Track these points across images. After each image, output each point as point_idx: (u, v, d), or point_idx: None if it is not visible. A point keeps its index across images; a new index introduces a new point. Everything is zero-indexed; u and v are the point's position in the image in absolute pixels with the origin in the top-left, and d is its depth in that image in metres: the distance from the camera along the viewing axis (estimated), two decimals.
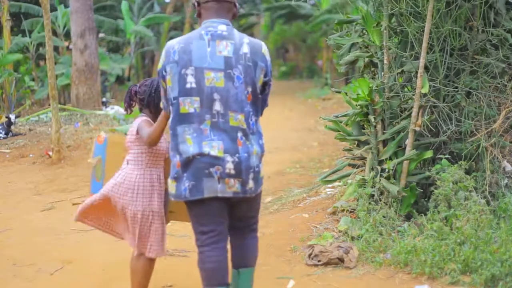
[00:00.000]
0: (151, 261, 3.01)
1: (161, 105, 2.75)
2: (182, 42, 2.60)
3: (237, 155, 2.56)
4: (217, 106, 2.56)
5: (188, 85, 2.55)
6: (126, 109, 3.13)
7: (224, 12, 2.68)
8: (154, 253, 2.96)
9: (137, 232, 2.92)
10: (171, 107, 2.61)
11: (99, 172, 3.21)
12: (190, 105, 2.56)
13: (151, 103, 2.99)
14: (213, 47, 2.57)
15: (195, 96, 2.55)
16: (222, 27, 2.62)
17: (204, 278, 2.61)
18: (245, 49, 2.61)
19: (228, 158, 2.54)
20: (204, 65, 2.56)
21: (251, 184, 2.62)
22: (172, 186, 2.62)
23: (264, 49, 2.69)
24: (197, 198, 2.55)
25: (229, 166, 2.54)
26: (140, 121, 2.93)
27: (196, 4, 2.72)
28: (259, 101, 2.70)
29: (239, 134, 2.58)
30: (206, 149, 2.53)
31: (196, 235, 2.68)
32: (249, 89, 2.62)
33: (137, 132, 2.90)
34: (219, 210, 2.63)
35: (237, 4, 2.76)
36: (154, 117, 2.95)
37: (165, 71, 2.60)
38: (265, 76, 2.68)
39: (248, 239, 2.81)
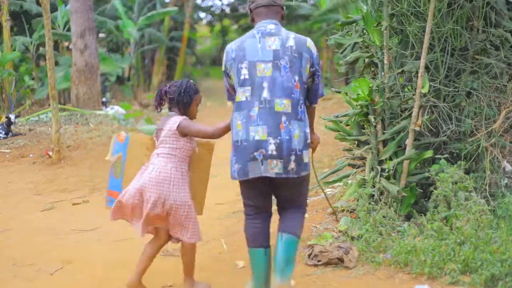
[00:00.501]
0: (192, 244, 3.27)
1: (229, 103, 3.16)
2: (238, 42, 3.03)
3: (279, 137, 2.87)
4: (265, 94, 2.91)
5: (242, 77, 2.95)
6: (156, 107, 3.44)
7: (273, 15, 3.08)
8: (194, 239, 3.23)
9: (176, 222, 3.17)
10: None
11: (118, 170, 3.34)
12: (243, 94, 2.94)
13: (180, 102, 3.29)
14: (263, 43, 2.96)
15: (247, 86, 2.93)
16: (271, 26, 3.02)
17: (248, 241, 3.07)
18: (291, 42, 2.98)
19: (271, 140, 2.87)
20: (256, 59, 2.94)
21: (292, 165, 2.89)
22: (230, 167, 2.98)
23: (309, 42, 3.06)
24: (244, 179, 2.93)
25: (272, 148, 2.87)
26: (183, 120, 3.24)
27: (249, 11, 3.15)
28: (308, 90, 3.06)
29: (283, 119, 2.89)
30: (252, 134, 2.89)
31: (244, 206, 3.12)
32: (296, 78, 2.95)
33: (177, 128, 3.19)
34: (263, 190, 3.03)
35: (284, 7, 3.15)
36: (183, 115, 3.30)
37: (227, 69, 3.02)
38: (312, 66, 3.03)
39: (293, 213, 3.12)
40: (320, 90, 3.14)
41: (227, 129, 3.16)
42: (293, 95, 2.93)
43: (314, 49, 3.04)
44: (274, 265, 2.98)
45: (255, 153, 2.88)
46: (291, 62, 2.95)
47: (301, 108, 2.96)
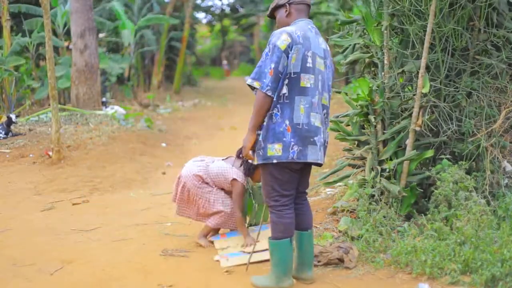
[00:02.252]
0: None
1: (256, 85, 3.08)
2: (301, 30, 3.15)
3: (325, 127, 3.27)
4: (320, 86, 3.20)
5: (308, 64, 3.12)
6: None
7: (308, 14, 3.34)
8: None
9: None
10: (287, 80, 3.08)
11: None
12: (308, 80, 3.12)
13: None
14: (318, 39, 3.23)
15: (312, 74, 3.14)
16: (316, 27, 3.30)
17: (281, 231, 3.17)
18: (328, 48, 3.36)
19: (323, 128, 3.23)
20: (316, 51, 3.18)
21: (324, 153, 3.32)
22: (278, 149, 3.08)
23: None
24: (301, 161, 3.10)
25: (324, 136, 3.25)
26: (237, 188, 4.06)
27: (287, 4, 3.27)
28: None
29: (325, 111, 3.27)
30: (312, 120, 3.13)
31: (275, 197, 3.18)
32: (331, 77, 3.35)
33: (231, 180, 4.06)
34: (297, 178, 3.24)
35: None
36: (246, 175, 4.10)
37: (291, 50, 3.08)
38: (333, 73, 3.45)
39: (305, 206, 3.40)
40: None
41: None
42: (330, 93, 3.34)
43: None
44: (303, 260, 3.32)
45: (315, 138, 3.14)
46: (330, 63, 3.33)
47: (329, 103, 3.33)
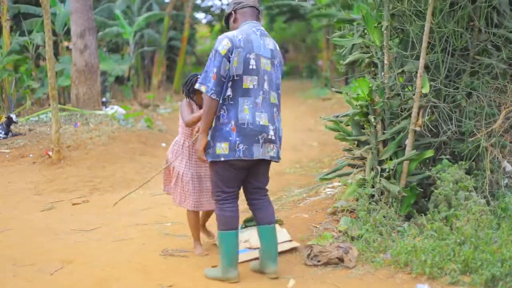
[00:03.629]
0: (190, 212, 3.95)
1: (203, 89, 3.28)
2: (242, 34, 3.31)
3: (275, 125, 3.39)
4: (266, 86, 3.35)
5: (250, 67, 3.27)
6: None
7: (256, 18, 3.48)
8: (187, 205, 3.92)
9: (176, 187, 3.98)
10: (230, 83, 3.25)
11: None
12: (250, 82, 3.28)
13: (183, 91, 4.01)
14: (264, 41, 3.38)
15: (255, 75, 3.29)
16: (262, 28, 3.45)
17: (223, 223, 3.38)
18: (277, 47, 3.51)
19: (271, 126, 3.35)
20: (260, 53, 3.33)
21: (280, 151, 3.46)
22: (224, 148, 3.26)
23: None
24: (247, 158, 3.26)
25: (271, 133, 3.35)
26: (183, 102, 3.92)
27: (233, 12, 3.47)
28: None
29: (274, 110, 3.41)
30: (257, 119, 3.28)
31: (218, 192, 3.40)
32: (280, 76, 3.48)
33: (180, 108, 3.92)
34: (243, 174, 3.40)
35: (261, 13, 3.47)
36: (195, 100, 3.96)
37: (232, 54, 3.24)
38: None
39: (267, 201, 3.53)
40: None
41: (198, 119, 3.62)
42: (279, 91, 3.46)
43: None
44: (267, 254, 3.43)
45: (259, 136, 3.29)
46: (279, 63, 3.47)
47: (279, 101, 3.47)
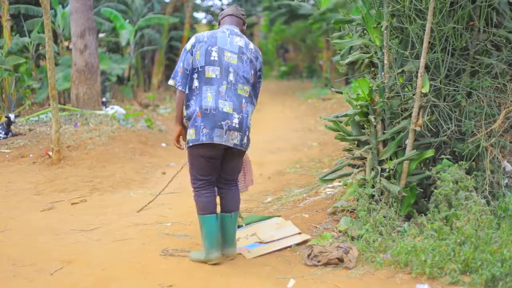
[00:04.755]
0: None
1: (172, 83, 3.62)
2: (209, 32, 3.64)
3: (241, 114, 3.57)
4: (231, 77, 3.58)
5: (212, 58, 3.57)
6: None
7: (235, 23, 3.79)
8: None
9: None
10: (196, 75, 3.56)
11: None
12: (213, 72, 3.55)
13: None
14: (232, 39, 3.66)
15: (217, 66, 3.56)
16: (236, 30, 3.75)
17: (200, 208, 3.65)
18: (251, 46, 3.75)
19: (235, 115, 3.54)
20: (225, 47, 3.61)
21: (245, 140, 3.63)
22: (192, 134, 3.53)
23: (260, 54, 3.83)
24: (208, 142, 3.47)
25: (235, 121, 3.54)
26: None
27: (218, 24, 3.84)
28: (255, 86, 3.77)
29: (242, 100, 3.61)
30: (220, 106, 3.50)
31: (193, 180, 3.68)
32: (252, 72, 3.69)
33: None
34: (215, 165, 3.64)
35: (245, 23, 3.87)
36: None
37: (194, 48, 3.58)
38: (259, 70, 3.79)
39: (234, 191, 3.83)
40: (258, 92, 3.82)
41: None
42: (249, 84, 3.67)
43: (261, 59, 3.82)
44: (226, 238, 3.74)
45: (222, 122, 3.50)
46: (250, 59, 3.69)
47: (251, 94, 3.70)
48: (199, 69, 3.55)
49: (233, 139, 3.54)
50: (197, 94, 3.54)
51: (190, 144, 3.55)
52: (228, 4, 33.09)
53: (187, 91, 3.60)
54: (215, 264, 3.64)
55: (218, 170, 3.72)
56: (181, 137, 3.79)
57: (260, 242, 4.01)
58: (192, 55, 3.59)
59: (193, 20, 23.85)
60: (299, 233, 4.05)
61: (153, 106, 14.66)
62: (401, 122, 4.24)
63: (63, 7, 13.37)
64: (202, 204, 3.65)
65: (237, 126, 3.55)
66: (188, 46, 3.63)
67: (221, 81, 3.55)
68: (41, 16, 11.47)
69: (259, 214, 4.87)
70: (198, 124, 3.50)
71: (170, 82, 3.64)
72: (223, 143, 3.51)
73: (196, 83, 3.56)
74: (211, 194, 3.69)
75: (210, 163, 3.62)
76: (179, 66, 3.61)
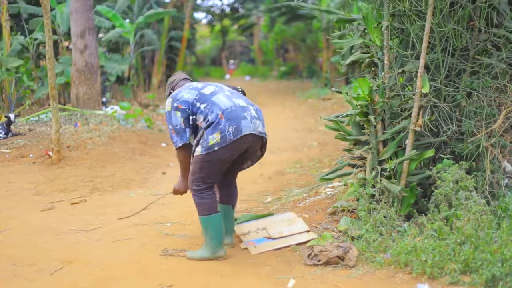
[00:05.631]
0: None
1: (175, 148, 3.82)
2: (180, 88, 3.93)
3: (254, 106, 3.82)
4: (225, 89, 3.88)
5: (196, 86, 3.88)
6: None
7: (189, 81, 4.14)
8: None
9: None
10: (197, 103, 3.71)
11: None
12: (208, 89, 3.79)
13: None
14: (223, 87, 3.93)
15: (210, 86, 3.87)
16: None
17: (206, 209, 3.72)
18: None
19: (250, 107, 3.75)
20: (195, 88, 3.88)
21: (265, 129, 3.86)
22: (216, 138, 3.57)
23: None
24: (238, 137, 3.58)
25: (253, 112, 3.73)
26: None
27: (171, 90, 4.12)
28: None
29: (247, 99, 3.90)
30: (236, 102, 3.69)
31: (198, 183, 3.71)
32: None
33: None
34: (227, 167, 3.83)
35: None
36: None
37: (181, 97, 3.81)
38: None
39: (235, 184, 4.11)
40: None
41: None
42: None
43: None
44: (227, 229, 3.99)
45: (244, 113, 3.65)
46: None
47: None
48: (196, 97, 3.72)
49: (258, 127, 3.72)
50: (210, 107, 3.65)
51: (216, 148, 3.58)
52: (228, 4, 33.14)
53: (199, 119, 3.71)
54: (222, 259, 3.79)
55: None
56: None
57: (269, 238, 4.06)
58: (176, 110, 3.74)
59: (193, 20, 23.87)
60: (308, 231, 4.06)
61: (153, 106, 14.65)
62: (401, 122, 4.24)
63: (63, 7, 13.35)
64: (207, 205, 3.72)
65: (255, 115, 3.73)
66: (168, 108, 3.80)
67: (222, 90, 3.80)
68: (41, 15, 11.46)
69: (259, 214, 4.87)
70: (222, 126, 3.57)
71: (174, 148, 3.84)
72: (252, 132, 3.64)
73: (203, 105, 3.68)
74: (213, 193, 3.79)
75: (225, 166, 3.77)
76: (170, 129, 3.77)
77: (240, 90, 4.27)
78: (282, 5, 20.15)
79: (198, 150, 3.66)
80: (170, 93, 4.03)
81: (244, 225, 4.31)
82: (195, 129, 3.79)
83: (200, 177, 3.70)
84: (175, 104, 3.75)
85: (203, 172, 3.68)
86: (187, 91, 3.78)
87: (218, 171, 3.75)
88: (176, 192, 4.09)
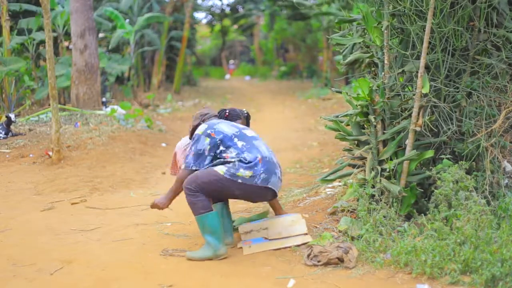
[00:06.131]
0: None
1: (183, 166, 3.93)
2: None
3: (280, 166, 4.01)
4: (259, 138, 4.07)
5: (235, 126, 4.03)
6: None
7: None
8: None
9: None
10: (235, 139, 3.88)
11: None
12: (250, 132, 4.01)
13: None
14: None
15: (246, 128, 4.08)
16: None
17: (202, 207, 3.78)
18: None
19: (279, 167, 3.97)
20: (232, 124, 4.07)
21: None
22: (246, 175, 3.74)
23: None
24: (263, 186, 3.79)
25: (280, 174, 3.94)
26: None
27: (201, 122, 4.10)
28: None
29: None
30: (271, 157, 3.91)
31: (197, 191, 3.76)
32: None
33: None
34: (231, 197, 4.04)
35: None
36: None
37: (215, 129, 3.93)
38: None
39: None
40: None
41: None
42: None
43: None
44: (226, 228, 4.07)
45: (276, 171, 3.88)
46: None
47: None
48: (236, 134, 3.89)
49: (279, 188, 3.95)
50: (249, 147, 3.83)
51: (239, 181, 3.73)
52: (228, 4, 33.13)
53: (230, 153, 3.82)
54: (222, 258, 3.80)
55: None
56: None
57: (266, 238, 4.04)
58: (207, 136, 3.87)
59: (193, 20, 23.86)
60: (305, 234, 4.04)
61: (153, 106, 14.65)
62: (401, 122, 4.24)
63: (63, 7, 13.35)
64: (201, 203, 3.77)
65: (280, 177, 3.95)
66: (199, 131, 3.93)
67: (260, 139, 4.00)
68: (41, 15, 11.46)
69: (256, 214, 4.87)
70: (258, 169, 3.75)
71: (182, 167, 3.92)
72: (275, 190, 3.89)
73: (241, 143, 3.85)
74: (206, 196, 3.88)
75: (228, 197, 4.04)
76: (192, 150, 3.89)
77: (246, 113, 4.45)
78: (283, 5, 20.14)
79: (221, 169, 3.76)
80: (199, 124, 4.08)
81: (248, 224, 4.30)
82: (214, 159, 3.90)
83: (201, 187, 3.75)
84: (208, 131, 3.87)
85: (208, 186, 3.75)
86: (226, 125, 3.94)
87: (218, 195, 3.89)
88: (154, 206, 4.04)
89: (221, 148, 3.85)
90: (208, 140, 3.86)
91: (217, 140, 3.85)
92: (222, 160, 3.82)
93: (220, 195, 3.90)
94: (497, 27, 4.21)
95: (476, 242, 3.34)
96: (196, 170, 3.84)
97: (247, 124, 4.43)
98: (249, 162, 3.76)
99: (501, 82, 4.21)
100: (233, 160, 3.78)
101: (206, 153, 3.86)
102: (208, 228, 3.78)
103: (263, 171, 3.77)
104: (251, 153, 3.79)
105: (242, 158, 3.78)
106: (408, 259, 3.40)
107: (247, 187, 3.77)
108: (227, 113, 4.35)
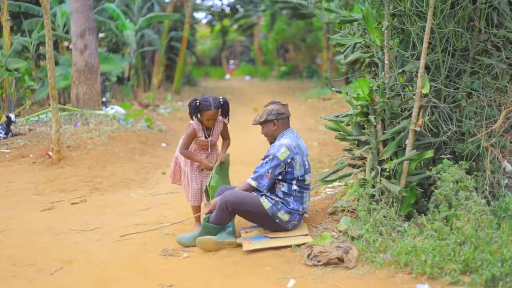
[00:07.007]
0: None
1: (254, 184, 4.02)
2: (294, 141, 4.11)
3: None
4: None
5: (306, 166, 4.15)
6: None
7: (289, 123, 4.30)
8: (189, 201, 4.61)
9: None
10: (294, 181, 4.08)
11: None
12: (309, 178, 4.17)
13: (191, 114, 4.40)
14: (302, 142, 4.24)
15: (309, 173, 4.19)
16: (295, 131, 4.29)
17: (219, 221, 4.03)
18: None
19: None
20: (306, 152, 4.23)
21: None
22: (285, 217, 4.05)
23: None
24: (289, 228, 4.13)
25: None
26: (190, 127, 4.46)
27: (275, 120, 4.17)
28: None
29: None
30: (307, 206, 4.23)
31: (233, 206, 3.97)
32: None
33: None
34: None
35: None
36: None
37: (293, 160, 4.04)
38: None
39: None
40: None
41: (193, 160, 4.45)
42: None
43: None
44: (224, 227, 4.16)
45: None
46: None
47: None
48: (300, 178, 4.08)
49: None
50: (298, 197, 4.10)
51: (276, 220, 4.02)
52: (228, 4, 33.12)
53: (281, 186, 4.09)
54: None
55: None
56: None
57: (266, 236, 4.07)
58: (290, 164, 4.03)
59: (193, 20, 23.86)
60: (306, 235, 4.05)
61: (153, 106, 14.65)
62: (401, 122, 4.24)
63: (63, 7, 13.35)
64: (225, 221, 4.05)
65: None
66: (281, 156, 4.00)
67: (310, 187, 4.21)
68: (41, 15, 11.46)
69: None
70: (293, 218, 4.08)
71: (252, 183, 4.01)
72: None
73: (295, 187, 4.08)
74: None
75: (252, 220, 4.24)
76: (267, 172, 4.00)
77: (221, 100, 4.42)
78: (284, 6, 20.14)
79: (266, 204, 4.00)
80: (271, 121, 4.18)
81: (249, 226, 4.33)
82: (272, 185, 4.09)
83: (239, 211, 4.00)
84: (288, 160, 4.02)
85: (245, 213, 4.03)
86: (300, 158, 4.09)
87: (245, 215, 4.10)
88: (210, 210, 4.11)
89: (283, 175, 4.07)
90: (283, 168, 4.04)
91: (286, 170, 4.05)
92: (276, 195, 4.09)
93: (246, 216, 4.10)
94: (497, 27, 4.21)
95: (476, 242, 3.34)
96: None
97: (225, 112, 4.45)
98: (292, 208, 4.06)
99: (501, 82, 4.21)
100: (277, 199, 4.05)
101: (268, 178, 4.02)
102: (208, 231, 4.06)
103: (297, 220, 4.11)
104: (296, 201, 4.09)
105: (285, 202, 4.06)
106: (408, 259, 3.40)
107: (276, 225, 4.06)
108: (197, 103, 4.30)
